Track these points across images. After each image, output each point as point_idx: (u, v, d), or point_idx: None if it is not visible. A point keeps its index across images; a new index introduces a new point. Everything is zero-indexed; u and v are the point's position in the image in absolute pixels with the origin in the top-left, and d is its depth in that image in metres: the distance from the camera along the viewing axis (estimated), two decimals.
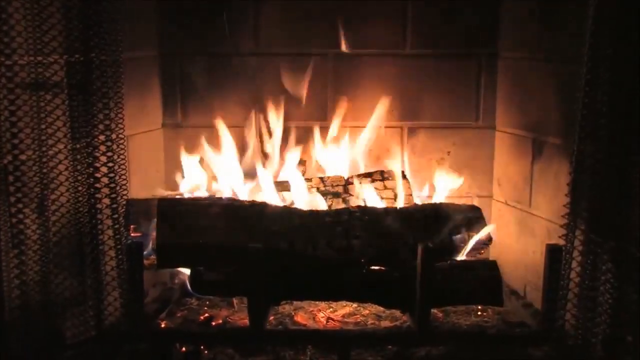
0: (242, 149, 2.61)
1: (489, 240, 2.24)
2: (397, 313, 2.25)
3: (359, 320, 2.27)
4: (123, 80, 1.97)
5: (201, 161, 2.60)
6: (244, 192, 2.48)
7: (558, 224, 1.95)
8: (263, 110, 2.64)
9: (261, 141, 2.63)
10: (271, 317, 2.21)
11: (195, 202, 2.18)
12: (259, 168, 2.52)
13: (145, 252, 2.07)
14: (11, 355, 1.78)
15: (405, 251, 2.06)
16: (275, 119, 2.63)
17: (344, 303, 2.32)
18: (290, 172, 2.53)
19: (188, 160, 2.59)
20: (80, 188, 1.92)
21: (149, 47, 2.62)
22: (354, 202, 2.44)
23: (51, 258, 1.86)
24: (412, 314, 2.04)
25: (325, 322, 2.25)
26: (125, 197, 2.02)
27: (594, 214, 1.84)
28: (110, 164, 1.96)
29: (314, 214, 2.17)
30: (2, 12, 1.70)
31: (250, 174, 2.55)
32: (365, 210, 2.16)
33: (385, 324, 2.24)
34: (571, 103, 1.89)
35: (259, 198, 2.36)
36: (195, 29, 2.63)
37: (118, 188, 1.98)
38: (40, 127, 1.82)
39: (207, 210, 2.09)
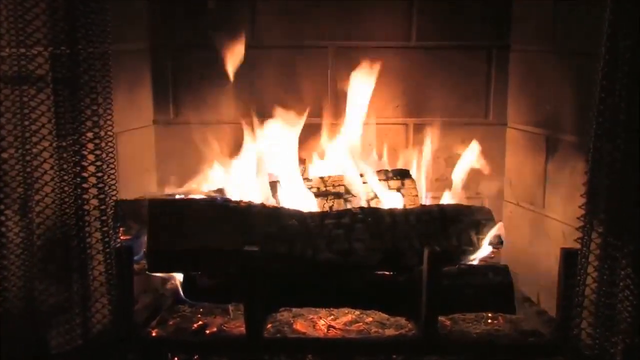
0: (238, 146, 2.60)
1: (499, 243, 2.21)
2: (402, 321, 2.23)
3: (361, 328, 2.24)
4: (112, 74, 1.96)
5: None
6: (242, 193, 2.45)
7: (573, 227, 1.91)
8: (260, 106, 2.61)
9: (259, 139, 2.61)
10: (269, 325, 2.19)
11: (188, 203, 2.16)
12: (256, 167, 2.52)
13: (135, 257, 2.06)
14: None
15: (410, 255, 2.04)
16: (274, 115, 2.60)
17: (345, 310, 2.29)
18: (289, 172, 2.51)
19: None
20: (66, 188, 1.89)
21: (139, 39, 2.62)
22: (356, 202, 2.43)
23: (35, 262, 1.83)
24: (418, 322, 2.02)
25: (326, 330, 2.22)
26: (114, 197, 1.99)
27: (611, 216, 1.80)
28: (99, 163, 1.94)
29: (313, 216, 2.15)
30: None
31: (247, 173, 2.54)
32: (367, 211, 2.15)
33: (390, 332, 2.21)
34: (587, 98, 1.86)
35: (256, 198, 2.35)
36: (189, 20, 2.63)
37: (107, 188, 1.96)
38: (23, 124, 1.78)
39: (200, 212, 2.07)
